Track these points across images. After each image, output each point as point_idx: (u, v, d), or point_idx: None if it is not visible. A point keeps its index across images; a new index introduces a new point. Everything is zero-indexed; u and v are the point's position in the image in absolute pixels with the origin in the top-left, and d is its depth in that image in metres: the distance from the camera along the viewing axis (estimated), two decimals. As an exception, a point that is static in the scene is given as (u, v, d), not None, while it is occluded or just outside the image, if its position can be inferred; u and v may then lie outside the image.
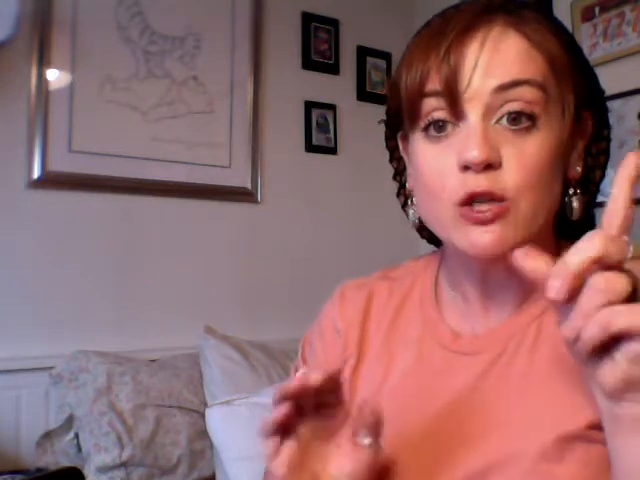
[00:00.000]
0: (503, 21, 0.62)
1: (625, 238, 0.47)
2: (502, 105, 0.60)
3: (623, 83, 1.92)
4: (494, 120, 0.61)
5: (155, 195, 2.09)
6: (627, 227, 0.48)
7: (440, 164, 0.62)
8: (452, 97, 0.61)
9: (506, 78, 0.60)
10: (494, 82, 0.60)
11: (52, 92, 1.93)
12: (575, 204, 0.67)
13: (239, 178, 2.26)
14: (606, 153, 0.71)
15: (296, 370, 0.83)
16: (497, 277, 0.68)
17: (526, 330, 0.66)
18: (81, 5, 1.99)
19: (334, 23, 2.50)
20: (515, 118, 0.60)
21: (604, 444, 0.57)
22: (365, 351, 0.76)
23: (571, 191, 0.67)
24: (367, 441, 0.58)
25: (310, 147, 2.42)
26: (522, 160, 0.60)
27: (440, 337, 0.71)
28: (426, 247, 0.81)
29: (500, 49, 0.61)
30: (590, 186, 0.71)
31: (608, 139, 0.71)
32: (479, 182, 0.59)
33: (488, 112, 0.60)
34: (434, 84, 0.62)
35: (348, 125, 2.50)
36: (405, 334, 0.74)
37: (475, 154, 0.58)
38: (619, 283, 0.46)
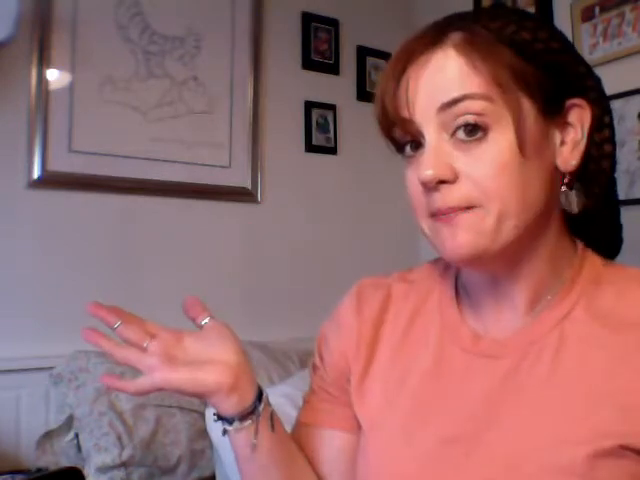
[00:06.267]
0: (448, 44, 0.64)
1: None
2: (454, 119, 0.62)
3: (623, 83, 1.92)
4: (449, 133, 0.63)
5: (155, 195, 2.09)
6: None
7: (414, 183, 0.66)
8: (403, 124, 0.65)
9: (447, 97, 0.62)
10: (437, 102, 0.62)
11: (52, 92, 1.93)
12: (573, 197, 0.67)
13: (239, 178, 2.25)
14: (611, 141, 0.70)
15: (314, 367, 0.83)
16: (504, 279, 0.68)
17: (548, 336, 0.66)
18: (81, 5, 1.98)
19: (334, 23, 2.50)
20: (471, 130, 0.62)
21: (637, 462, 0.57)
22: (377, 352, 0.76)
23: (563, 188, 0.67)
24: (206, 320, 0.72)
25: (310, 147, 2.42)
26: (479, 169, 0.62)
27: (460, 339, 0.71)
28: (426, 246, 0.81)
29: (440, 72, 0.63)
30: (600, 177, 0.70)
31: (611, 126, 0.70)
32: (436, 199, 0.63)
33: (442, 128, 0.63)
34: (394, 113, 0.66)
35: (348, 125, 2.49)
36: (423, 336, 0.74)
37: (427, 173, 0.62)
38: None
